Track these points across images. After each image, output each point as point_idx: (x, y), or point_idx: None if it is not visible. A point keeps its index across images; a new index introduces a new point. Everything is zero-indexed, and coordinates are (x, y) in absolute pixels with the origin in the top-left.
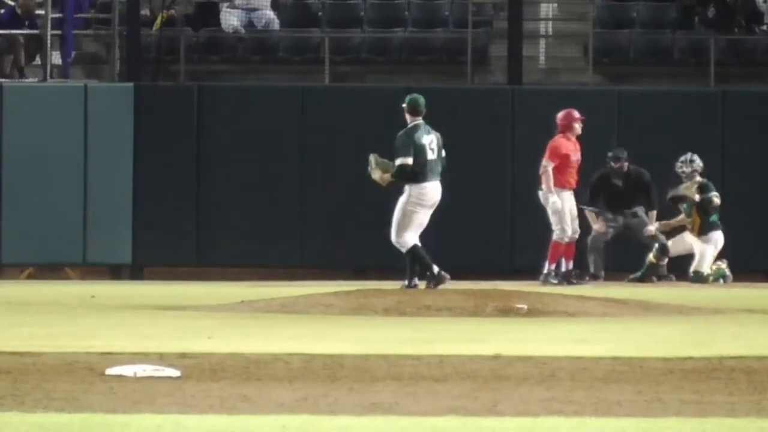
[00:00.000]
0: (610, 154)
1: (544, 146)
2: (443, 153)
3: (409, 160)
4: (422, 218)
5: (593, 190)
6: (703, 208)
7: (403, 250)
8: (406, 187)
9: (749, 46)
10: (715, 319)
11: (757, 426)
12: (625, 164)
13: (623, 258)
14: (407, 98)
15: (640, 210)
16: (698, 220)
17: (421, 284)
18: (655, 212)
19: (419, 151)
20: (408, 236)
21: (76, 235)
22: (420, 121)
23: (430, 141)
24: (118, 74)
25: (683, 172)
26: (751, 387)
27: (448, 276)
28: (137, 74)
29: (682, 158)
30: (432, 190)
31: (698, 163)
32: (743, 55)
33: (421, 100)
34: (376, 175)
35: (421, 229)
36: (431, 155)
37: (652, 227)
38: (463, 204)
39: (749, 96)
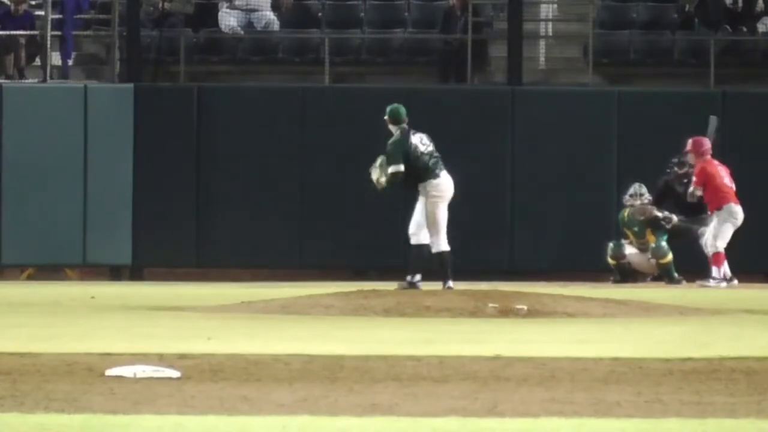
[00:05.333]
0: (674, 159)
1: (544, 147)
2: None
3: (401, 168)
4: (446, 214)
5: (658, 197)
6: (656, 225)
7: (434, 250)
8: (420, 189)
9: (749, 47)
10: (715, 320)
11: (758, 427)
12: (689, 170)
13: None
14: (388, 109)
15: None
16: (653, 238)
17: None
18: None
19: (416, 153)
20: (441, 238)
21: (76, 235)
22: (404, 126)
23: (420, 138)
24: (118, 75)
25: (632, 205)
26: (751, 388)
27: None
28: (137, 75)
29: (631, 191)
30: (448, 183)
31: (647, 195)
32: (743, 55)
33: (402, 109)
34: (375, 174)
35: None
36: (428, 148)
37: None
38: (463, 204)
39: (749, 96)
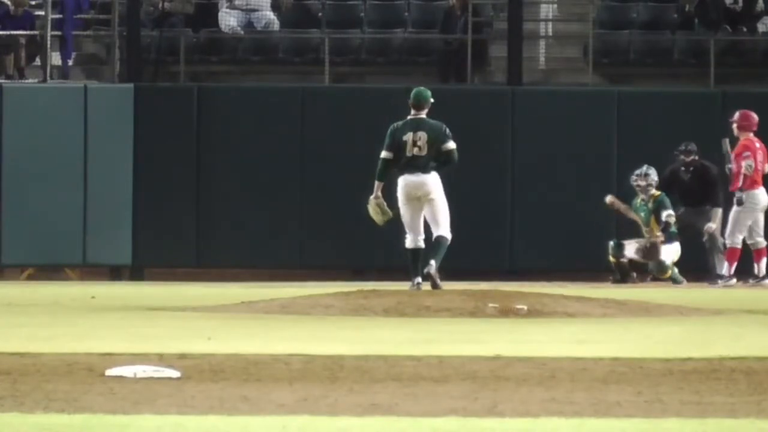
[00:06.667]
0: (681, 147)
1: (544, 147)
2: (450, 145)
3: (389, 155)
4: (408, 214)
5: (663, 185)
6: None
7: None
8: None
9: (749, 47)
10: (715, 320)
11: (758, 427)
12: (695, 158)
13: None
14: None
15: (710, 210)
16: (657, 228)
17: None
18: (719, 210)
19: (399, 148)
20: (406, 236)
21: (76, 235)
22: (419, 115)
23: (418, 138)
24: (118, 75)
25: (638, 185)
26: (751, 388)
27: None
28: (137, 75)
29: (638, 171)
30: (405, 184)
31: (653, 176)
32: (743, 55)
33: (424, 94)
34: (374, 213)
35: (413, 225)
36: (415, 152)
37: (713, 224)
38: (463, 204)
39: (749, 96)
